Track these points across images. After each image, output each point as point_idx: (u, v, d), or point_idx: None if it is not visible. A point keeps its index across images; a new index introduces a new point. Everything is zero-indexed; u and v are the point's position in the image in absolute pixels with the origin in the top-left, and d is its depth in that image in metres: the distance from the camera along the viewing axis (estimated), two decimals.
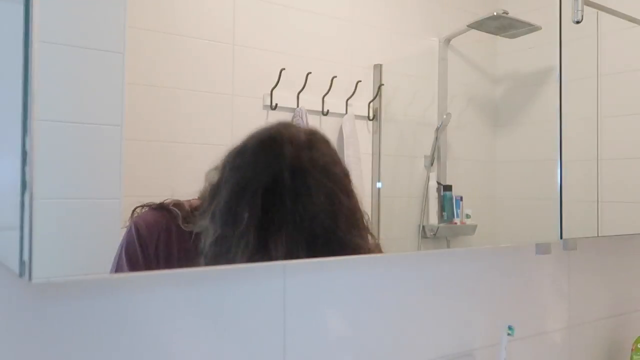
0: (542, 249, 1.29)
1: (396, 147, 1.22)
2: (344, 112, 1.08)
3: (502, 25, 1.31)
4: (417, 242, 1.23)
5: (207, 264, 0.81)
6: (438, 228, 1.24)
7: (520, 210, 1.39)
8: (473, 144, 1.37)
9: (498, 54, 1.40)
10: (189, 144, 0.91)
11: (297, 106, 1.03)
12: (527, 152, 1.40)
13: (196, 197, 0.84)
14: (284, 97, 1.00)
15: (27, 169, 0.67)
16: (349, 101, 1.06)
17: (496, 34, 1.34)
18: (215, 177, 0.82)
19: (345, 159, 1.09)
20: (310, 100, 1.03)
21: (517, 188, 1.40)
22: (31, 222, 0.67)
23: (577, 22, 1.28)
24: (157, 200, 0.85)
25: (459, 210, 1.26)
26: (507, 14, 1.29)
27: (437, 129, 1.26)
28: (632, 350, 1.58)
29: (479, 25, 1.30)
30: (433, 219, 1.24)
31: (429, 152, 1.25)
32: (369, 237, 0.90)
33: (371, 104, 1.12)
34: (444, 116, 1.26)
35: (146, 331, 0.90)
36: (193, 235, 0.81)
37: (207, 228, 0.80)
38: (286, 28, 1.03)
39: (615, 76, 1.51)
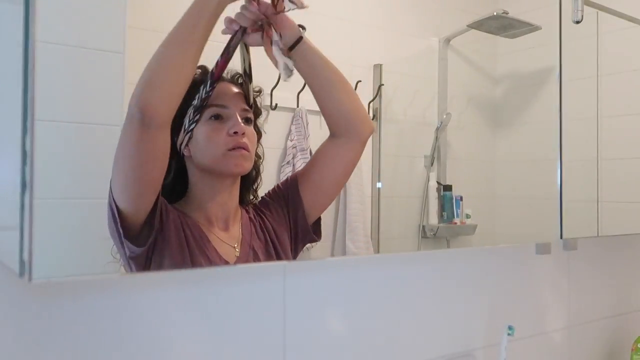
0: (542, 248, 1.29)
1: (396, 147, 1.22)
2: None
3: (502, 25, 1.31)
4: (417, 242, 1.23)
5: None
6: (438, 228, 1.24)
7: (520, 210, 1.39)
8: (473, 144, 1.37)
9: (498, 54, 1.41)
10: None
11: (297, 106, 1.03)
12: (527, 152, 1.40)
13: None
14: (284, 97, 1.00)
15: (27, 169, 0.67)
16: None
17: (496, 34, 1.34)
18: None
19: None
20: (311, 100, 1.02)
21: (517, 188, 1.40)
22: (31, 222, 0.67)
23: (577, 22, 1.28)
24: None
25: (459, 210, 1.26)
26: (507, 14, 1.29)
27: (437, 129, 1.26)
28: (632, 350, 1.58)
29: (479, 25, 1.30)
30: (433, 219, 1.24)
31: (429, 152, 1.25)
32: None
33: (371, 104, 1.12)
34: (444, 116, 1.26)
35: (146, 331, 0.90)
36: None
37: None
38: None
39: (615, 76, 1.51)
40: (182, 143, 0.87)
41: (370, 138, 1.11)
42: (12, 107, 0.70)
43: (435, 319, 1.26)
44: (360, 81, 1.08)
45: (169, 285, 0.93)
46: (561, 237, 1.28)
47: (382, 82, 1.13)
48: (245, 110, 0.90)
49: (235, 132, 0.86)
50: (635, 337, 1.60)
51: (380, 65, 1.13)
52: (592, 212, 1.42)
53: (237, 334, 0.99)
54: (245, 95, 0.91)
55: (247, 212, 0.95)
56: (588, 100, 1.44)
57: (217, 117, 0.87)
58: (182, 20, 0.78)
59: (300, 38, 0.90)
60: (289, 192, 0.96)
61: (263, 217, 0.95)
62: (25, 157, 0.67)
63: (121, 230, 0.78)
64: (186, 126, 0.86)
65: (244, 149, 0.87)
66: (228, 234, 0.90)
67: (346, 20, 1.11)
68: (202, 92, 0.86)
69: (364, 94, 1.10)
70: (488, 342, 1.34)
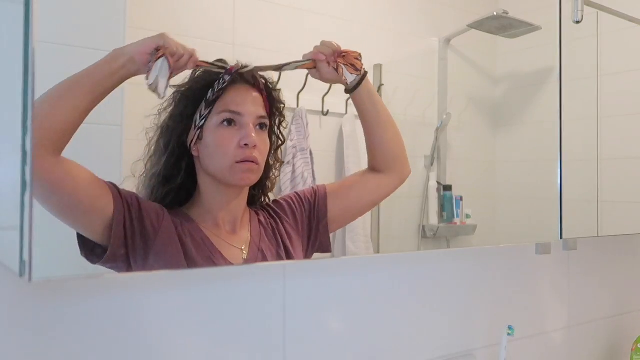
0: (542, 249, 1.29)
1: None
2: (344, 112, 1.08)
3: (502, 25, 1.31)
4: (417, 242, 1.23)
5: None
6: (438, 228, 1.24)
7: (520, 210, 1.39)
8: (473, 144, 1.37)
9: (498, 54, 1.40)
10: None
11: (297, 106, 1.03)
12: (527, 152, 1.40)
13: None
14: (284, 97, 1.00)
15: (27, 169, 0.67)
16: (349, 101, 1.06)
17: (496, 34, 1.34)
18: None
19: (346, 158, 1.09)
20: (310, 100, 1.03)
21: (517, 188, 1.40)
22: (31, 222, 0.67)
23: (577, 22, 1.28)
24: None
25: (459, 210, 1.26)
26: (507, 14, 1.29)
27: (437, 129, 1.26)
28: (632, 350, 1.58)
29: (479, 25, 1.30)
30: (433, 219, 1.24)
31: (429, 152, 1.25)
32: None
33: None
34: (444, 116, 1.26)
35: (146, 331, 0.90)
36: None
37: None
38: (286, 28, 1.03)
39: (615, 76, 1.51)
40: (192, 140, 0.85)
41: None
42: (12, 107, 0.70)
43: (436, 318, 1.26)
44: None
45: (169, 286, 0.93)
46: (561, 237, 1.28)
47: (382, 82, 1.13)
48: (262, 117, 0.87)
49: (246, 145, 0.84)
50: (635, 337, 1.60)
51: (380, 65, 1.13)
52: (592, 212, 1.42)
53: (237, 334, 0.99)
54: (264, 101, 0.89)
55: (257, 214, 0.94)
56: (588, 100, 1.44)
57: (229, 122, 0.85)
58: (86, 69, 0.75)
59: (360, 82, 0.95)
60: (316, 202, 0.96)
61: (278, 220, 0.94)
62: (25, 157, 0.67)
63: (78, 247, 0.77)
64: (197, 122, 0.84)
65: (253, 162, 0.85)
66: (236, 236, 0.89)
67: (346, 20, 1.11)
68: (216, 87, 0.84)
69: None
70: (488, 342, 1.34)
